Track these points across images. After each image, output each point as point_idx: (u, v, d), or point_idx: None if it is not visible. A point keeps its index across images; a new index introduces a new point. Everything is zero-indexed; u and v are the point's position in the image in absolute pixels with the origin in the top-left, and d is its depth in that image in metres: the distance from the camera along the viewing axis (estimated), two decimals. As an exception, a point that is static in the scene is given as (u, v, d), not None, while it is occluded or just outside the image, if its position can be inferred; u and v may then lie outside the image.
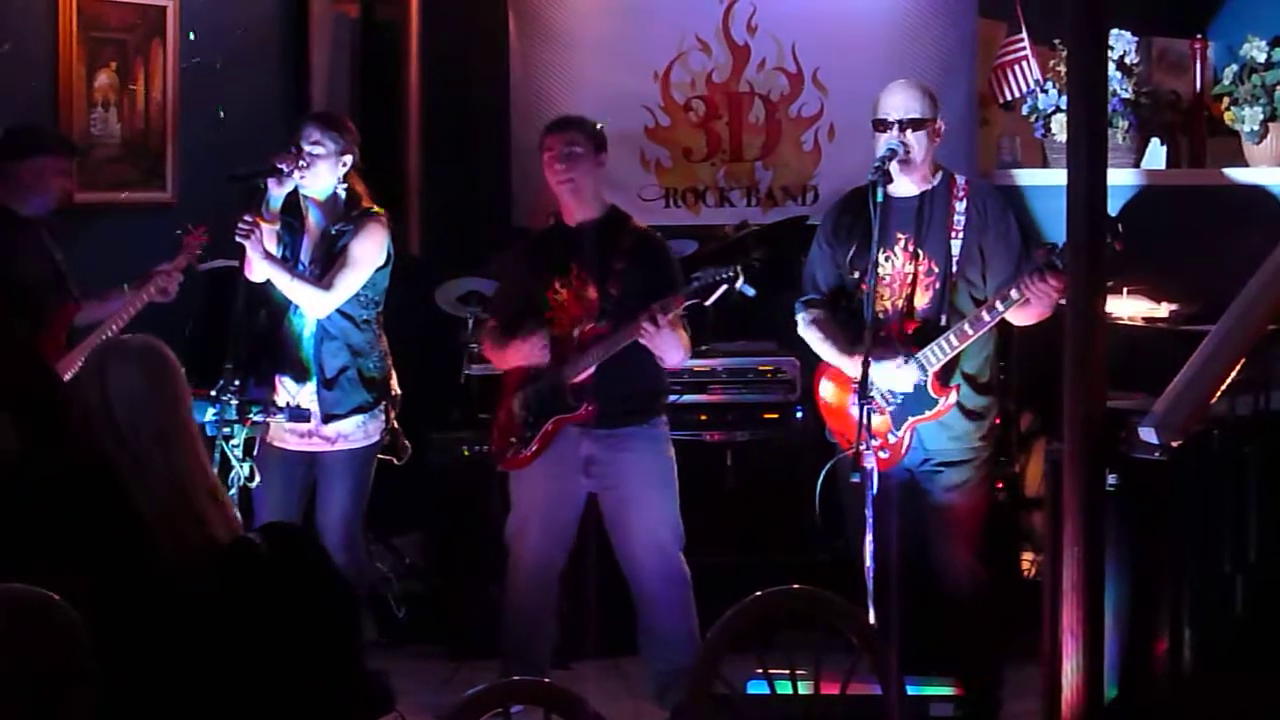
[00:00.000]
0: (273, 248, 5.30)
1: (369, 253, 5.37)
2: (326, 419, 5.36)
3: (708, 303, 5.28)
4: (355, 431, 5.41)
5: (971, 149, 6.92)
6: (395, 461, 5.56)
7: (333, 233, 5.39)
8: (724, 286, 5.19)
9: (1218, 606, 4.35)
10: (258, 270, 5.25)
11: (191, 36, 6.62)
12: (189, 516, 3.31)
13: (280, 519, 5.11)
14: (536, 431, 5.43)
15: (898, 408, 5.13)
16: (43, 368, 4.68)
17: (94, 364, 3.43)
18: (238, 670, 3.15)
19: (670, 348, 5.31)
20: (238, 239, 5.18)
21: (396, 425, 5.52)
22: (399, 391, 5.54)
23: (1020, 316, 5.08)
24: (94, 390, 3.37)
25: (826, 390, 5.35)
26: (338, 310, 5.36)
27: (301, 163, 5.29)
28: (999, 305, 4.98)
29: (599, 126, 5.49)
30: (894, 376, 5.08)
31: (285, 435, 5.42)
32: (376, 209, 5.46)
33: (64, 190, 5.75)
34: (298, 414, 5.28)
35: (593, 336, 5.37)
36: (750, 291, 5.25)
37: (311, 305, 5.34)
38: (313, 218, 5.44)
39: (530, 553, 5.51)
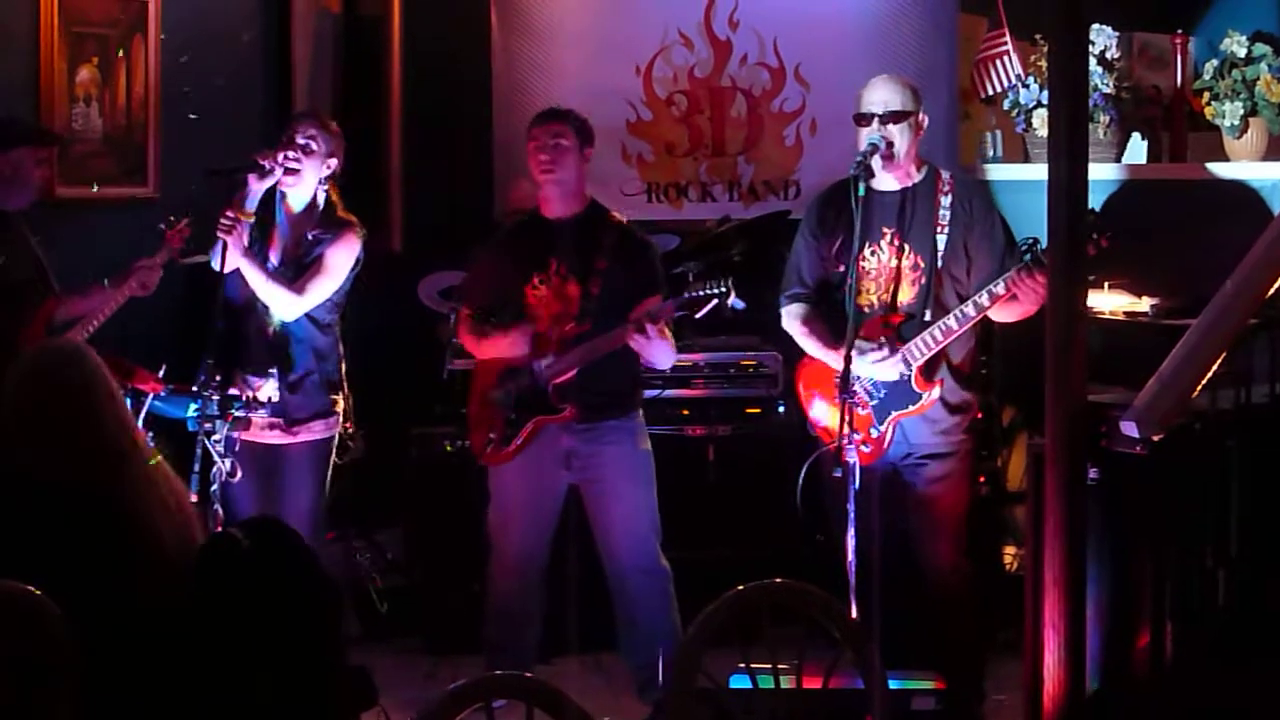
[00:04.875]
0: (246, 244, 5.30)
1: (343, 262, 5.39)
2: (290, 422, 5.36)
3: (697, 315, 5.27)
4: (315, 423, 5.42)
5: (953, 144, 6.93)
6: (336, 460, 5.53)
7: (309, 238, 5.38)
8: (715, 301, 5.18)
9: (1199, 600, 4.36)
10: (230, 264, 5.22)
11: (172, 32, 6.59)
12: (166, 512, 3.31)
13: (259, 513, 5.11)
14: (517, 430, 5.42)
15: (880, 402, 5.13)
16: None
17: (60, 371, 3.38)
18: (220, 666, 3.15)
19: (661, 353, 5.30)
20: (219, 234, 5.16)
21: (350, 423, 5.52)
22: (349, 393, 5.53)
23: (1005, 314, 5.07)
24: (66, 396, 3.33)
25: (809, 384, 5.35)
26: (305, 314, 5.37)
27: (291, 153, 5.28)
28: (984, 300, 4.98)
29: (586, 120, 5.47)
30: (877, 369, 5.08)
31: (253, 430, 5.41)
32: (352, 218, 5.46)
33: (44, 180, 5.72)
34: (276, 409, 5.28)
35: (574, 336, 5.35)
36: (740, 305, 5.25)
37: (282, 306, 5.33)
38: (287, 218, 5.43)
39: (513, 547, 5.50)
